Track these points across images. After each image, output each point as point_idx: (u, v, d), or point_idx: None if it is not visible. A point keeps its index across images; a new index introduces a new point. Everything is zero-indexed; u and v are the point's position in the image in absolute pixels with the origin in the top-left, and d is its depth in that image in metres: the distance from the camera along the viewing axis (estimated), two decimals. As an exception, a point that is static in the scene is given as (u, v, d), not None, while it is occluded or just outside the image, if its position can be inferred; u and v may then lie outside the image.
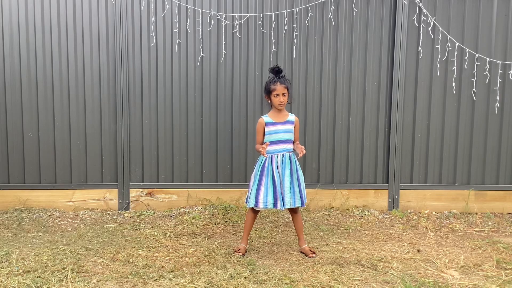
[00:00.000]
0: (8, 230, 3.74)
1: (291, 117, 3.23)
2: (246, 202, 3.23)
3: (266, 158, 3.14)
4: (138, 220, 4.05)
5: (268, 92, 3.15)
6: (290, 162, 3.16)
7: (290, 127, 3.19)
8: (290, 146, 3.20)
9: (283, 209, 3.13)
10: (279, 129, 3.16)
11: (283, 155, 3.15)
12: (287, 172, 3.14)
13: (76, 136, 4.27)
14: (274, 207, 3.11)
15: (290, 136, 3.19)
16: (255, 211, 3.25)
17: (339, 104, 4.36)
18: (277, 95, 3.11)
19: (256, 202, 3.13)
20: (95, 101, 4.26)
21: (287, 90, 3.13)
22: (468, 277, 2.86)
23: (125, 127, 4.26)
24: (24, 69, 4.18)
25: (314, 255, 3.17)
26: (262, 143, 3.18)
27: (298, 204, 3.17)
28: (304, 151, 3.04)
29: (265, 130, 3.17)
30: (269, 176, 3.12)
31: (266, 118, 3.20)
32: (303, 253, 3.23)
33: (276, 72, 3.14)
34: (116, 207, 4.33)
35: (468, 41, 4.31)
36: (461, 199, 4.40)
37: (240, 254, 3.15)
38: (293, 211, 3.26)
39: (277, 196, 3.10)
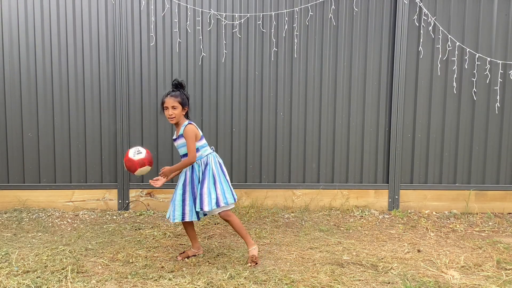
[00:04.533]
0: (7, 230, 3.73)
1: (182, 129, 3.00)
2: (168, 217, 3.01)
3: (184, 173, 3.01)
4: (137, 220, 4.04)
5: (161, 104, 3.06)
6: (185, 175, 3.00)
7: (182, 141, 3.00)
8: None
9: (193, 220, 3.00)
10: (176, 145, 3.06)
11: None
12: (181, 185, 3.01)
13: (75, 136, 4.27)
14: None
15: (185, 150, 3.00)
16: (188, 222, 3.09)
17: (339, 104, 4.35)
18: (166, 108, 3.00)
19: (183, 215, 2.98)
20: (94, 101, 4.26)
21: (180, 103, 2.98)
22: (468, 277, 2.85)
23: (125, 127, 4.26)
24: (24, 69, 4.18)
25: (253, 264, 2.96)
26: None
27: (194, 217, 2.98)
28: (156, 184, 2.90)
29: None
30: (186, 189, 3.00)
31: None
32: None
33: (176, 86, 3.05)
34: (115, 207, 4.32)
35: (468, 40, 4.30)
36: (462, 199, 4.40)
37: (182, 258, 3.05)
38: (223, 219, 3.05)
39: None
